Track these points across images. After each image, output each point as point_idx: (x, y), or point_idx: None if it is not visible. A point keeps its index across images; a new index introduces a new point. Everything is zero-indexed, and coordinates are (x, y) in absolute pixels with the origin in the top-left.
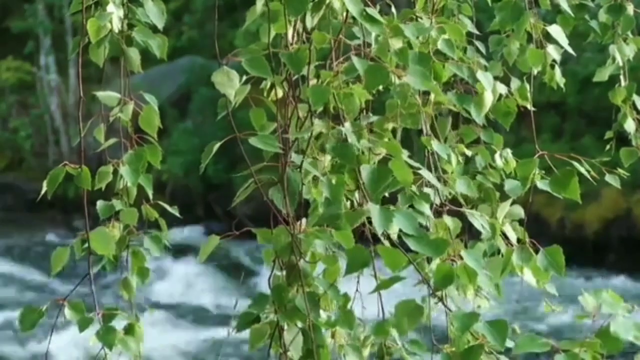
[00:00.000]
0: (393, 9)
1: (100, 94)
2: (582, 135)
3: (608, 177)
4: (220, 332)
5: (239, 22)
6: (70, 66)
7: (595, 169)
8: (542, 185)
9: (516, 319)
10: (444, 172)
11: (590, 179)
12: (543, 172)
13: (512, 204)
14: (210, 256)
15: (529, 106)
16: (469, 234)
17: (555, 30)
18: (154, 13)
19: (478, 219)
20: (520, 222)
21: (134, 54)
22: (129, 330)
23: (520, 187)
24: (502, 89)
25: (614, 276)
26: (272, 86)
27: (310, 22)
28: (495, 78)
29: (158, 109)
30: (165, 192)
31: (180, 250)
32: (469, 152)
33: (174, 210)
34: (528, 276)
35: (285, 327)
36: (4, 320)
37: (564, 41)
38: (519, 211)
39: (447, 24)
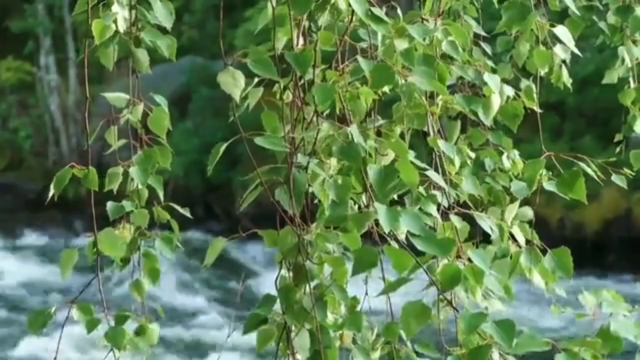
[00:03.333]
0: (399, 11)
1: (108, 95)
2: (581, 135)
3: (614, 178)
4: (220, 332)
5: (239, 22)
6: (70, 66)
7: (598, 169)
8: (548, 186)
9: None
10: (449, 173)
11: (596, 178)
12: (550, 173)
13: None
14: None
15: (536, 108)
16: (481, 237)
17: (562, 31)
18: (162, 14)
19: (486, 221)
20: (530, 223)
21: (142, 55)
22: (141, 331)
23: (527, 188)
24: (509, 91)
25: (614, 276)
26: (285, 89)
27: (316, 22)
28: (505, 80)
29: None
30: (166, 192)
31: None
32: (472, 155)
33: (185, 212)
34: (537, 279)
35: (293, 328)
36: (4, 319)
37: (570, 42)
38: (528, 212)
39: (452, 25)
